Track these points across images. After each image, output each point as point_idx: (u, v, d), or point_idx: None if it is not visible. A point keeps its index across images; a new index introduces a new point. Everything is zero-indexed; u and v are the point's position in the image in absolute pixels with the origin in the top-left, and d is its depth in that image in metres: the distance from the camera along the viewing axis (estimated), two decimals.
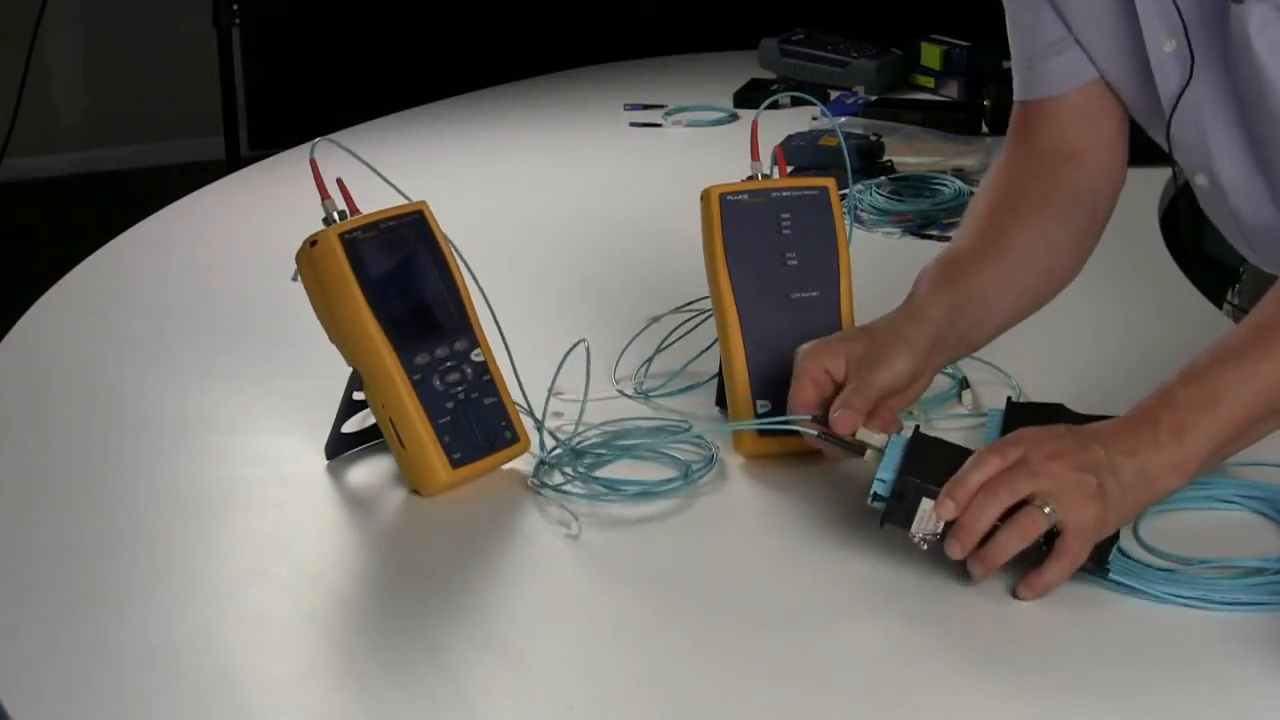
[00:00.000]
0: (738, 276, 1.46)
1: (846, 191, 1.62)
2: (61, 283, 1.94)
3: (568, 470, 1.44)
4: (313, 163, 1.41)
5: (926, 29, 2.78)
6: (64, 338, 1.81)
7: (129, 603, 1.28)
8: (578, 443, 1.47)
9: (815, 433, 1.34)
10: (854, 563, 1.28)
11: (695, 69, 2.95)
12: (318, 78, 4.66)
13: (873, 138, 2.32)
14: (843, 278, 1.48)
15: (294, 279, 1.44)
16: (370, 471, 1.47)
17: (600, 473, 1.44)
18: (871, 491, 1.25)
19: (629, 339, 1.66)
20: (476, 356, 1.44)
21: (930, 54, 2.73)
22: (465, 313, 1.45)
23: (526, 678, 1.18)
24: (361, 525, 1.42)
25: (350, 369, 1.43)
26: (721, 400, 1.52)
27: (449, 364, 1.43)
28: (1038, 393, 1.56)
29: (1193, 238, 2.13)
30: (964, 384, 1.58)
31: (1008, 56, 2.46)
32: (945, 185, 2.15)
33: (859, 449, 1.30)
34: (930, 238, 2.05)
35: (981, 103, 2.52)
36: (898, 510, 1.24)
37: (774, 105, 2.45)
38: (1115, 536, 1.23)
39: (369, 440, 1.48)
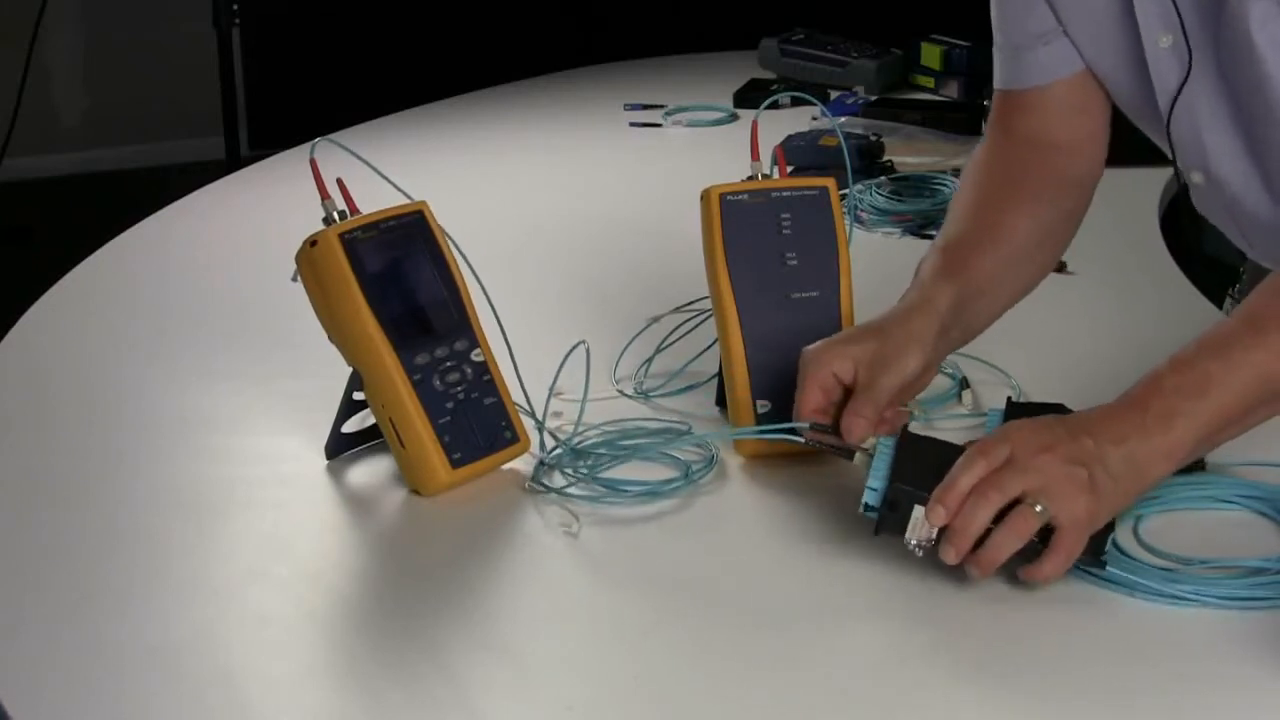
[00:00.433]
0: (738, 276, 1.46)
1: (846, 191, 1.62)
2: (61, 283, 1.94)
3: (568, 470, 1.44)
4: (313, 163, 1.41)
5: (926, 29, 2.78)
6: (64, 338, 1.81)
7: (129, 603, 1.28)
8: (578, 443, 1.47)
9: (806, 440, 1.32)
10: (854, 563, 1.28)
11: (695, 69, 2.94)
12: (318, 78, 4.66)
13: (873, 138, 2.32)
14: (843, 278, 1.48)
15: (294, 279, 1.44)
16: (370, 471, 1.47)
17: (600, 473, 1.44)
18: (863, 502, 1.24)
19: (629, 339, 1.66)
20: (476, 356, 1.44)
21: (930, 54, 2.73)
22: (465, 313, 1.45)
23: (526, 678, 1.18)
24: (361, 525, 1.42)
25: (350, 369, 1.43)
26: (721, 400, 1.52)
27: (449, 364, 1.43)
28: (1038, 393, 1.56)
29: (1193, 238, 2.13)
30: (964, 384, 1.58)
31: None
32: (945, 185, 2.15)
33: (848, 452, 1.30)
34: (930, 238, 2.05)
35: (981, 103, 2.52)
36: (891, 519, 1.23)
37: (774, 105, 2.45)
38: (1110, 527, 1.23)
39: (369, 440, 1.48)
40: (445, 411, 1.41)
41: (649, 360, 1.63)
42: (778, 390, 1.45)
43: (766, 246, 1.47)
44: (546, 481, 1.43)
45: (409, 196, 1.47)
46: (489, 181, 2.36)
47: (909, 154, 2.31)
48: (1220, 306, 1.84)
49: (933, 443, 1.28)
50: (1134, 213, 2.10)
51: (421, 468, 1.41)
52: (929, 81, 2.73)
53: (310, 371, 1.54)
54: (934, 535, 1.22)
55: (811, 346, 1.39)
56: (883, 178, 2.20)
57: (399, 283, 1.42)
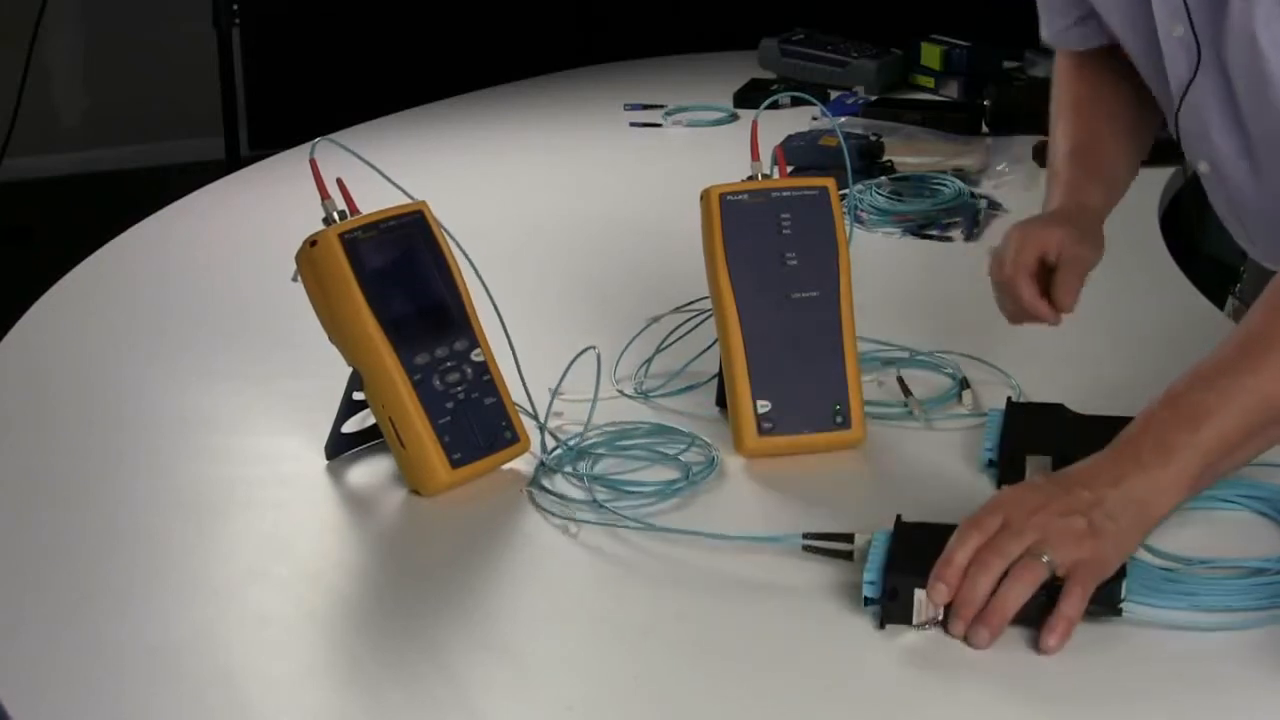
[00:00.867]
0: (738, 276, 1.46)
1: (846, 191, 1.62)
2: (61, 283, 1.94)
3: (568, 471, 1.44)
4: (313, 163, 1.41)
5: (926, 29, 2.78)
6: (64, 338, 1.81)
7: (129, 603, 1.28)
8: (578, 443, 1.47)
9: (804, 547, 1.30)
10: (854, 563, 1.27)
11: (695, 69, 2.94)
12: (318, 78, 4.65)
13: (873, 138, 2.32)
14: (843, 278, 1.48)
15: (294, 279, 1.44)
16: (370, 471, 1.47)
17: (600, 474, 1.43)
18: (864, 596, 1.21)
19: (629, 339, 1.66)
20: (476, 356, 1.44)
21: (930, 54, 2.73)
22: (465, 312, 1.45)
23: (526, 678, 1.18)
24: (361, 525, 1.42)
25: (350, 369, 1.43)
26: (722, 400, 1.52)
27: (449, 364, 1.43)
28: (1038, 393, 1.56)
29: (1193, 238, 2.13)
30: (964, 384, 1.58)
31: (1008, 56, 2.47)
32: (945, 185, 2.15)
33: (846, 553, 1.28)
34: (930, 238, 2.05)
35: (981, 103, 2.52)
36: (893, 609, 1.20)
37: (774, 105, 2.45)
38: (1122, 574, 1.20)
39: (369, 440, 1.48)
40: (445, 411, 1.41)
41: (649, 360, 1.63)
42: (778, 390, 1.45)
43: (766, 246, 1.47)
44: (546, 482, 1.43)
45: (410, 196, 1.47)
46: (489, 181, 2.36)
47: (909, 154, 2.31)
48: (1221, 307, 1.84)
49: (926, 528, 1.25)
50: (1134, 213, 2.09)
51: (421, 468, 1.41)
52: (929, 81, 2.73)
53: (310, 371, 1.54)
54: (940, 614, 1.19)
55: (1015, 231, 1.51)
56: (883, 178, 2.20)
57: (399, 283, 1.42)
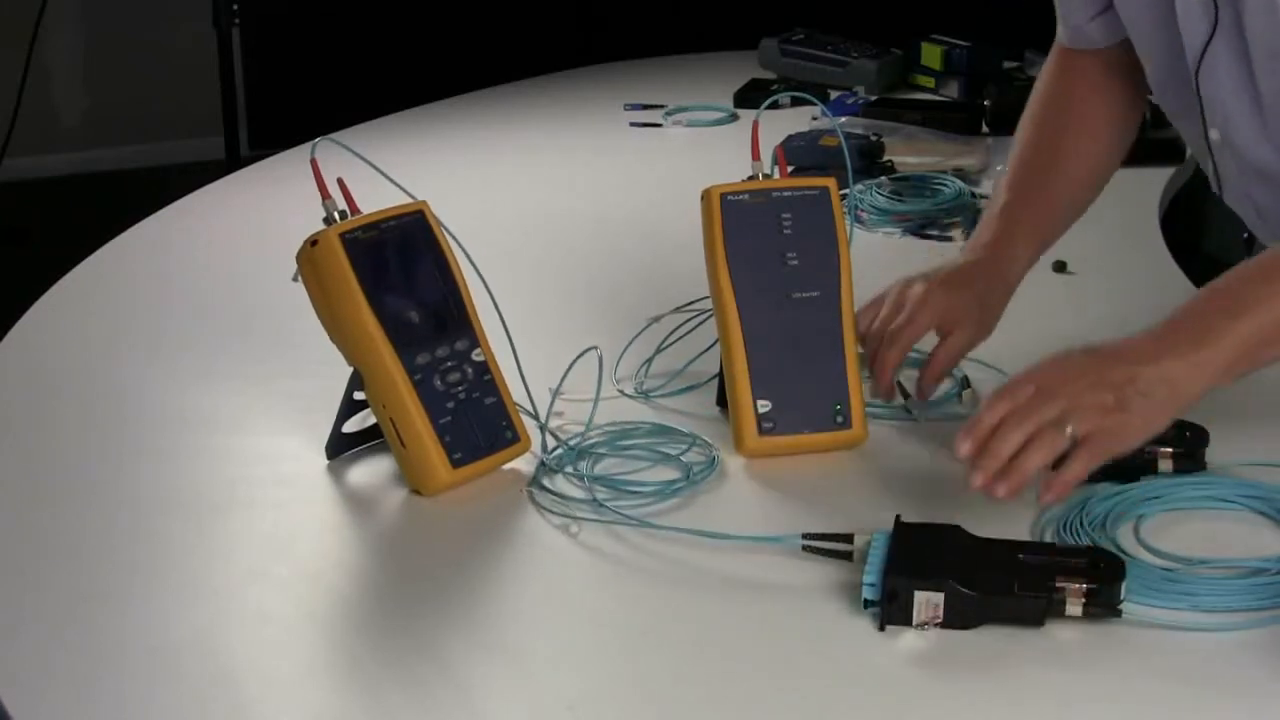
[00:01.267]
0: (738, 276, 1.46)
1: (847, 191, 1.62)
2: (61, 283, 1.94)
3: (569, 471, 1.44)
4: (313, 162, 1.41)
5: (926, 29, 2.78)
6: (64, 338, 1.81)
7: (129, 603, 1.28)
8: (579, 443, 1.47)
9: (804, 548, 1.30)
10: (855, 563, 1.27)
11: (695, 69, 2.94)
12: (318, 78, 4.65)
13: (873, 138, 2.32)
14: (843, 278, 1.48)
15: (294, 279, 1.44)
16: (370, 471, 1.47)
17: (601, 473, 1.44)
18: (863, 598, 1.21)
19: (629, 339, 1.66)
20: (477, 356, 1.44)
21: (930, 54, 2.73)
22: (466, 312, 1.45)
23: (526, 678, 1.18)
24: (361, 525, 1.42)
25: (351, 369, 1.43)
26: (722, 400, 1.52)
27: (450, 364, 1.43)
28: None
29: (1193, 238, 2.13)
30: (965, 384, 1.58)
31: (1008, 56, 2.46)
32: (945, 185, 2.15)
33: (846, 553, 1.28)
34: (930, 237, 2.05)
35: (981, 103, 2.52)
36: (892, 610, 1.20)
37: (774, 105, 2.44)
38: (1121, 573, 1.20)
39: (369, 440, 1.48)
40: (446, 411, 1.41)
41: (649, 360, 1.63)
42: (778, 390, 1.45)
43: (767, 246, 1.47)
44: (547, 482, 1.43)
45: (411, 195, 1.47)
46: (489, 181, 2.36)
47: (909, 154, 2.31)
48: None
49: (926, 528, 1.26)
50: (1134, 212, 2.10)
51: (422, 467, 1.41)
52: (929, 81, 2.73)
53: (310, 371, 1.54)
54: (939, 616, 1.19)
55: (920, 285, 1.49)
56: (883, 178, 2.20)
57: (400, 282, 1.42)
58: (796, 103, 2.42)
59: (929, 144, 2.37)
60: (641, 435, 1.50)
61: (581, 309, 1.83)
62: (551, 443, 1.47)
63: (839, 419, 1.46)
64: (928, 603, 1.19)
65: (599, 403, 1.50)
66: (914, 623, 1.20)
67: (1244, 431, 1.43)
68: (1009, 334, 1.56)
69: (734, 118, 2.61)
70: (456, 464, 1.41)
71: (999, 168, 2.28)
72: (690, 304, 1.66)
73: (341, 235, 1.40)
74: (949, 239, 2.04)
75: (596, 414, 1.50)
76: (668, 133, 2.57)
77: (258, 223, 2.15)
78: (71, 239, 2.22)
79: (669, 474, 1.44)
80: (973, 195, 2.13)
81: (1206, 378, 1.28)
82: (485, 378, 1.44)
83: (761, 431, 1.45)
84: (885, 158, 2.28)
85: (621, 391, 1.59)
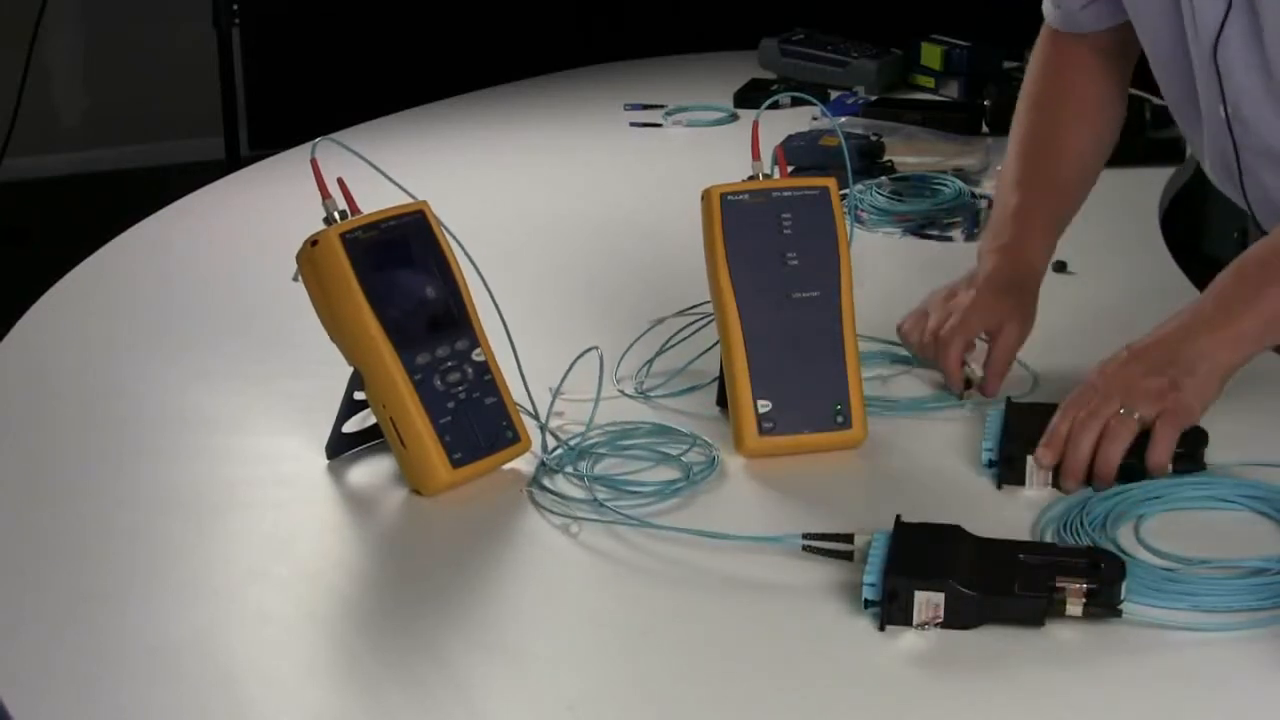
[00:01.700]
0: (738, 276, 1.46)
1: (847, 191, 1.62)
2: (61, 283, 1.94)
3: (569, 471, 1.44)
4: (313, 162, 1.41)
5: (926, 29, 2.78)
6: (64, 338, 1.81)
7: (129, 603, 1.28)
8: (579, 443, 1.47)
9: (804, 547, 1.30)
10: (855, 563, 1.27)
11: (695, 69, 2.94)
12: (318, 78, 4.65)
13: (873, 138, 2.32)
14: (843, 278, 1.48)
15: (294, 279, 1.44)
16: (370, 471, 1.47)
17: (601, 473, 1.44)
18: (863, 598, 1.22)
19: (629, 339, 1.66)
20: (477, 356, 1.44)
21: (930, 54, 2.73)
22: (466, 312, 1.45)
23: (526, 678, 1.18)
24: (361, 525, 1.42)
25: (351, 369, 1.43)
26: (722, 400, 1.52)
27: (450, 364, 1.43)
28: (1038, 393, 1.56)
29: (1193, 238, 2.13)
30: (966, 384, 1.58)
31: (1008, 56, 2.46)
32: (945, 185, 2.15)
33: (846, 553, 1.28)
34: (930, 237, 2.05)
35: (981, 103, 2.51)
36: (893, 610, 1.20)
37: (774, 105, 2.44)
38: (1122, 573, 1.21)
39: (369, 440, 1.48)
40: (446, 411, 1.41)
41: (649, 362, 1.63)
42: (778, 390, 1.45)
43: (767, 246, 1.47)
44: (547, 482, 1.43)
45: (411, 195, 1.47)
46: (489, 181, 2.36)
47: (909, 154, 2.31)
48: None
49: (926, 528, 1.26)
50: (1134, 213, 2.10)
51: (422, 467, 1.41)
52: (929, 81, 2.73)
53: (310, 371, 1.54)
54: (939, 616, 1.19)
55: (966, 293, 1.58)
56: (883, 178, 2.20)
57: (400, 282, 1.42)
58: (796, 103, 2.42)
59: (929, 144, 2.37)
60: (642, 435, 1.50)
61: (581, 309, 1.83)
62: (552, 443, 1.48)
63: (839, 419, 1.46)
64: (928, 603, 1.19)
65: (599, 403, 1.50)
66: (914, 623, 1.20)
67: (1244, 432, 1.43)
68: None
69: (734, 118, 2.61)
70: (456, 464, 1.41)
71: (999, 167, 2.28)
72: (693, 308, 1.66)
73: (341, 235, 1.40)
74: (949, 239, 2.04)
75: (597, 414, 1.50)
76: (668, 133, 2.57)
77: (258, 223, 2.15)
78: (71, 239, 2.22)
79: (669, 474, 1.44)
80: (973, 195, 2.13)
81: (1243, 347, 1.40)
82: (485, 378, 1.44)
83: (761, 431, 1.45)
84: (885, 158, 2.28)
85: (622, 392, 1.59)
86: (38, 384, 1.68)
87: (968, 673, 1.17)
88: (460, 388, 1.43)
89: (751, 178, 1.50)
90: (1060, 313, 1.67)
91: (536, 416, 1.49)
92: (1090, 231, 1.92)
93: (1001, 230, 1.66)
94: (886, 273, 1.64)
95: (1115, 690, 1.14)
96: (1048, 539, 1.31)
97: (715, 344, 1.51)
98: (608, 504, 1.38)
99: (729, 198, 1.48)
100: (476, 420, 1.43)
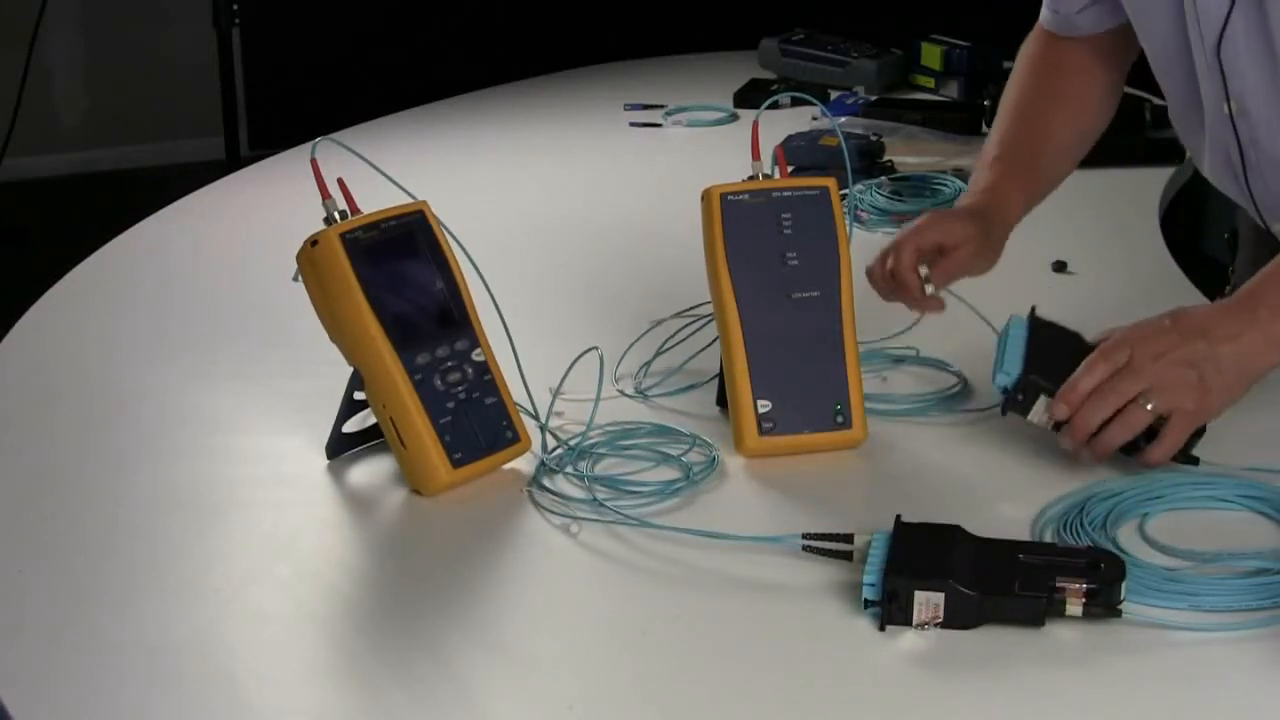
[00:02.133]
0: (738, 276, 1.46)
1: (847, 191, 1.62)
2: (61, 283, 1.94)
3: (569, 471, 1.44)
4: (313, 162, 1.41)
5: (926, 29, 2.78)
6: (64, 338, 1.81)
7: (129, 603, 1.28)
8: (579, 443, 1.47)
9: (804, 547, 1.30)
10: (855, 563, 1.27)
11: (695, 69, 2.94)
12: (318, 78, 4.65)
13: (873, 138, 2.32)
14: (843, 277, 1.48)
15: (294, 279, 1.44)
16: (370, 471, 1.47)
17: (601, 473, 1.44)
18: (863, 598, 1.21)
19: (628, 339, 1.66)
20: (477, 356, 1.44)
21: (930, 54, 2.73)
22: (466, 312, 1.45)
23: (526, 677, 1.18)
24: (361, 525, 1.42)
25: (351, 369, 1.43)
26: (722, 400, 1.52)
27: (450, 364, 1.43)
28: None
29: (1192, 238, 2.13)
30: (966, 384, 1.58)
31: (1008, 56, 2.46)
32: (945, 185, 2.15)
33: (846, 553, 1.28)
34: None
35: (981, 103, 2.51)
36: (892, 610, 1.20)
37: (774, 105, 2.45)
38: (1122, 573, 1.20)
39: (369, 440, 1.48)
40: (446, 411, 1.41)
41: (648, 363, 1.63)
42: (778, 390, 1.45)
43: (767, 246, 1.47)
44: (547, 482, 1.43)
45: (411, 195, 1.47)
46: (489, 181, 2.36)
47: (909, 154, 2.31)
48: None
49: (926, 528, 1.26)
50: (1134, 213, 2.10)
51: (422, 467, 1.41)
52: (929, 81, 2.73)
53: (310, 371, 1.54)
54: (940, 616, 1.18)
55: (929, 213, 1.58)
56: (883, 178, 2.20)
57: (400, 282, 1.42)
58: (796, 103, 2.42)
59: (929, 144, 2.37)
60: (642, 435, 1.50)
61: (581, 309, 1.83)
62: (551, 443, 1.48)
63: (839, 419, 1.46)
64: (928, 603, 1.19)
65: (599, 403, 1.50)
66: (914, 623, 1.20)
67: (1244, 432, 1.43)
68: None
69: (734, 118, 2.61)
70: (457, 464, 1.41)
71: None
72: (692, 308, 1.66)
73: (341, 235, 1.40)
74: None
75: (597, 414, 1.50)
76: (668, 133, 2.57)
77: (258, 223, 2.15)
78: (71, 239, 2.22)
79: (669, 474, 1.44)
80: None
81: (1277, 352, 1.38)
82: (485, 378, 1.44)
83: (761, 431, 1.45)
84: (885, 158, 2.28)
85: (621, 392, 1.59)
86: (38, 384, 1.68)
87: (968, 673, 1.17)
88: (460, 388, 1.43)
89: (751, 178, 1.50)
90: (1060, 313, 1.66)
91: (536, 416, 1.49)
92: (1090, 231, 1.93)
93: (977, 179, 1.66)
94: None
95: (1115, 690, 1.14)
96: (1048, 539, 1.31)
97: (715, 340, 1.51)
98: (608, 504, 1.38)
99: (729, 198, 1.48)
100: (476, 420, 1.43)
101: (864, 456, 1.48)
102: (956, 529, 1.25)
